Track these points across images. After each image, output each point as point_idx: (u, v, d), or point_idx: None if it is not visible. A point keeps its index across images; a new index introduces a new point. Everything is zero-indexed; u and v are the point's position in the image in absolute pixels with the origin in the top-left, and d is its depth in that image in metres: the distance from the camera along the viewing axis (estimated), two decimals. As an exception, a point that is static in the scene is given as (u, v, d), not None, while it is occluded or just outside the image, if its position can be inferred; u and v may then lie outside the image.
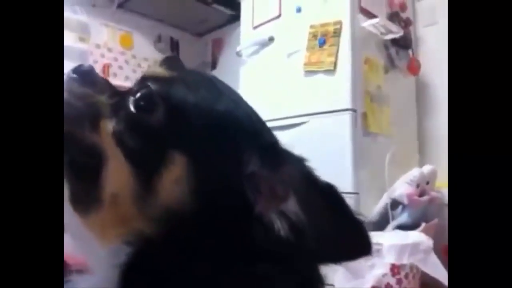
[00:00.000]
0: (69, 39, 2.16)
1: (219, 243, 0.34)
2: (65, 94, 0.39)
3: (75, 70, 0.42)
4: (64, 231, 0.38)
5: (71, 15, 2.28)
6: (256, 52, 1.98)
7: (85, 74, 0.41)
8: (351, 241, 0.33)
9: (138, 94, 0.38)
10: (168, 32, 2.96)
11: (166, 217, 0.35)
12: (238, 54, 2.08)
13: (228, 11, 2.64)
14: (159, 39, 2.91)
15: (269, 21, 1.93)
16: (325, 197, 0.33)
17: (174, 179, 0.35)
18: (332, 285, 1.12)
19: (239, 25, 2.18)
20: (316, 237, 0.32)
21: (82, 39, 2.23)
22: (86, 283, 0.38)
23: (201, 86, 0.40)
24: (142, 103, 0.38)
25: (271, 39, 1.89)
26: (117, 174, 0.36)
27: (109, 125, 0.38)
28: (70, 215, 0.38)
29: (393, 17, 1.81)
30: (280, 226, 0.33)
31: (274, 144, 0.38)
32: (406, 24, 1.88)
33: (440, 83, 1.89)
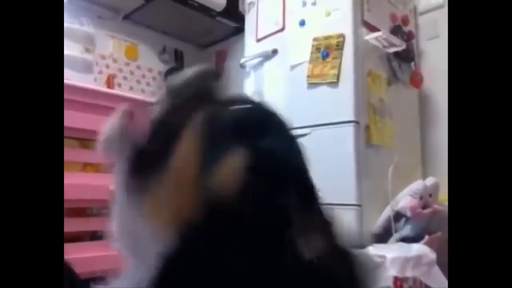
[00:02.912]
0: (75, 50, 2.19)
1: (253, 247, 0.39)
2: (190, 80, 0.48)
3: (198, 70, 0.51)
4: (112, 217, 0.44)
5: (77, 26, 2.31)
6: (259, 64, 2.00)
7: (210, 74, 0.51)
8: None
9: (240, 105, 0.48)
10: (173, 44, 2.99)
11: (213, 207, 0.40)
12: (242, 66, 2.10)
13: (232, 24, 2.68)
14: (163, 50, 2.94)
15: (272, 34, 1.95)
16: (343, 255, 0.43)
17: (229, 174, 0.41)
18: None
19: (243, 37, 2.20)
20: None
21: (87, 50, 2.26)
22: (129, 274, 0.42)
23: (283, 128, 0.51)
24: (240, 112, 0.47)
25: (274, 52, 1.91)
26: (187, 150, 0.43)
27: (203, 114, 0.45)
28: (126, 195, 0.44)
29: (396, 30, 1.83)
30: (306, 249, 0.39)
31: (313, 189, 0.46)
32: (408, 37, 1.89)
33: (443, 96, 1.89)
